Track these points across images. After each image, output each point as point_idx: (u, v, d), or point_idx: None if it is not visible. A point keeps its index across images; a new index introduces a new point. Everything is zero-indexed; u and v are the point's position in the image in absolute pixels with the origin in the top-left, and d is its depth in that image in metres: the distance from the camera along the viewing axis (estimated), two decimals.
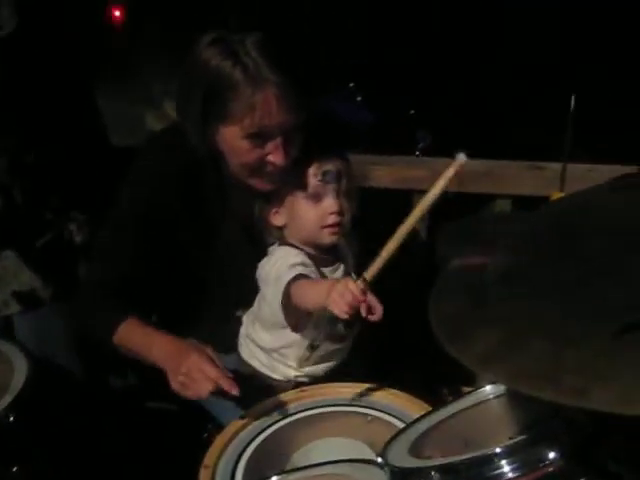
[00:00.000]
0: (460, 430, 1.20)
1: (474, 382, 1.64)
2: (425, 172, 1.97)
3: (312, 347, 1.49)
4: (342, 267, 1.56)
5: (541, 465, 0.98)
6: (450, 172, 1.24)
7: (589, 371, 0.67)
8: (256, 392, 1.50)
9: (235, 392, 1.34)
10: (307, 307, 1.38)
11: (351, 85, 3.65)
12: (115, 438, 1.90)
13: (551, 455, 0.98)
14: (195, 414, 1.73)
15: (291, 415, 1.43)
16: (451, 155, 2.08)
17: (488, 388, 1.24)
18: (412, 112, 3.63)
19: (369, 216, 1.71)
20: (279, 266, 1.47)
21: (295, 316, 1.45)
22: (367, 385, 1.48)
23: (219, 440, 1.35)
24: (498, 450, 0.99)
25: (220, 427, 1.44)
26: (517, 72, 3.37)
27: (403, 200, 2.01)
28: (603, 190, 1.16)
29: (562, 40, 3.22)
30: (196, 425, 1.70)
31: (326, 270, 1.53)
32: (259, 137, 1.43)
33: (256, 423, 1.40)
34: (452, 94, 3.45)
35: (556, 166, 1.79)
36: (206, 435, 1.64)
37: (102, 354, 1.77)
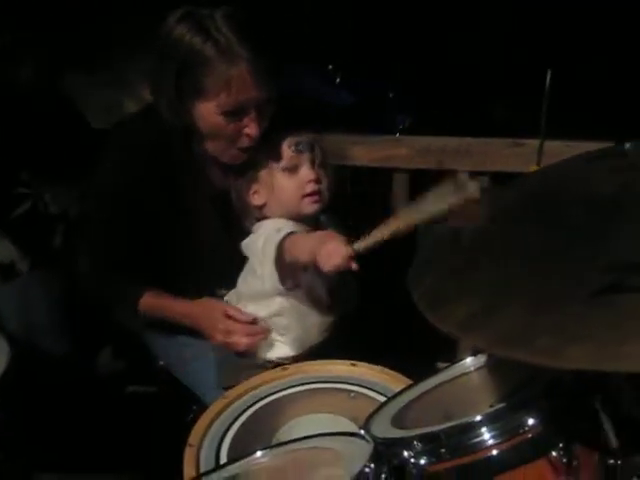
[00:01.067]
0: (441, 402, 1.21)
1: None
2: (405, 151, 1.98)
3: None
4: None
5: (521, 431, 0.99)
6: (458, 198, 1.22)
7: (563, 332, 0.69)
8: (236, 373, 1.53)
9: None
10: (301, 258, 1.40)
11: (330, 67, 3.64)
12: (100, 421, 1.91)
13: (530, 421, 0.99)
14: (180, 396, 1.74)
15: (275, 393, 1.43)
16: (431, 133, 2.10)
17: (468, 360, 1.26)
18: (391, 95, 3.64)
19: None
20: (267, 233, 1.48)
21: (290, 274, 1.47)
22: (350, 362, 1.49)
23: (203, 419, 1.36)
24: (478, 418, 1.00)
25: (205, 408, 1.45)
26: (494, 50, 3.38)
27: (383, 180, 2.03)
28: (579, 161, 1.18)
29: (538, 18, 3.24)
30: (181, 407, 1.71)
31: None
32: (235, 113, 1.45)
33: (240, 402, 1.41)
34: (430, 73, 3.46)
35: (536, 143, 1.80)
36: (191, 417, 1.65)
37: (89, 325, 1.82)
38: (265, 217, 1.56)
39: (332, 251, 1.33)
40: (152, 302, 1.63)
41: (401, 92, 3.56)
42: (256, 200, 1.56)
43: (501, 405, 1.02)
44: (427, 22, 3.52)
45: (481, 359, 1.25)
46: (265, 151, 1.52)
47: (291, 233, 1.45)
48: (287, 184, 1.52)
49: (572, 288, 0.77)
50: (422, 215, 1.26)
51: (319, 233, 1.46)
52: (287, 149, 1.51)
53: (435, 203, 1.24)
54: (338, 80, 3.60)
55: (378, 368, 1.48)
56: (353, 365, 1.49)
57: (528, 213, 1.01)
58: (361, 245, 1.34)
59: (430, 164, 1.97)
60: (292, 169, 1.51)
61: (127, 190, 1.57)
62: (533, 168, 1.50)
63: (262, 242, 1.48)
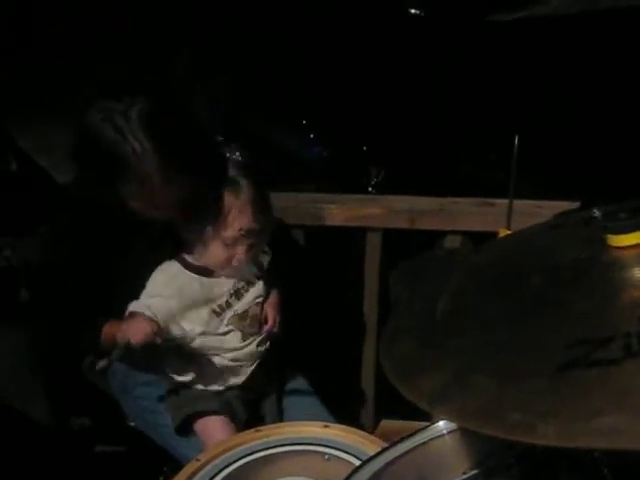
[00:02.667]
0: (415, 466, 1.21)
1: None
2: (378, 210, 2.01)
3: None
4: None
5: None
6: None
7: (533, 408, 0.70)
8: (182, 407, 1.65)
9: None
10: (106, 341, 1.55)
11: (304, 122, 3.70)
12: None
13: None
14: (152, 456, 1.72)
15: (248, 455, 1.42)
16: (405, 192, 2.15)
17: (441, 424, 1.26)
18: (364, 148, 3.69)
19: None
20: (147, 289, 1.58)
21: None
22: (323, 424, 1.49)
23: None
24: None
25: (177, 469, 1.43)
26: (467, 107, 3.46)
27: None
28: (545, 227, 1.20)
29: (510, 76, 3.33)
30: (153, 467, 1.69)
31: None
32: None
33: (213, 464, 1.39)
34: (403, 130, 3.52)
35: (506, 202, 1.84)
36: (162, 478, 1.63)
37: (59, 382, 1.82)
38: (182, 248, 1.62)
39: (138, 327, 1.46)
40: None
41: (375, 146, 3.62)
42: (184, 234, 1.61)
43: (474, 472, 1.02)
44: (401, 79, 3.61)
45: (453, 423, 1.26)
46: (218, 216, 1.56)
47: (136, 314, 1.52)
48: (219, 253, 1.58)
49: (538, 361, 0.78)
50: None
51: (135, 318, 1.51)
52: (237, 231, 1.56)
53: None
54: (312, 135, 3.66)
55: (351, 429, 1.48)
56: (326, 427, 1.48)
57: (494, 282, 1.03)
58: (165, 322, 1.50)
59: (403, 223, 1.99)
60: (231, 245, 1.57)
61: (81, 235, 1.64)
62: (503, 232, 1.53)
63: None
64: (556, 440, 0.65)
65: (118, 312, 1.62)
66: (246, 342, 1.66)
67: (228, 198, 1.55)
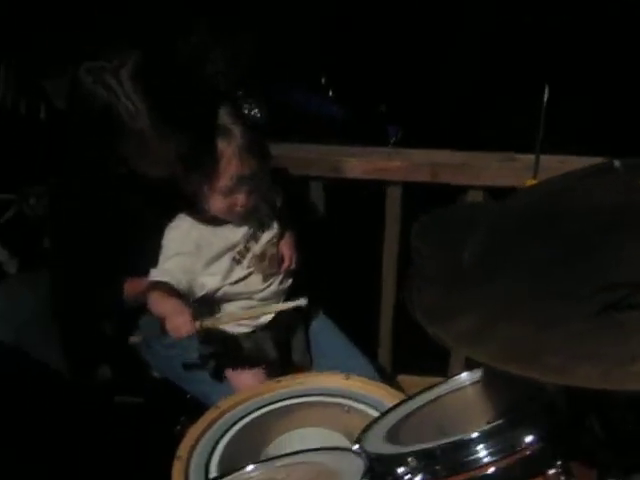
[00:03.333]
0: (436, 417, 1.20)
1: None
2: (399, 163, 1.97)
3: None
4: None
5: (518, 449, 0.98)
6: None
7: (569, 350, 0.68)
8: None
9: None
10: (153, 311, 1.55)
11: (323, 80, 3.66)
12: (88, 432, 1.88)
13: (527, 439, 0.98)
14: (169, 407, 1.73)
15: (267, 405, 1.42)
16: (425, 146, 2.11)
17: (463, 375, 1.25)
18: (382, 107, 3.66)
19: None
20: (164, 250, 1.57)
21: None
22: (344, 375, 1.48)
23: (193, 431, 1.34)
24: (475, 435, 0.99)
25: (194, 418, 1.43)
26: (489, 64, 3.41)
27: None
28: (574, 176, 1.17)
29: (535, 31, 3.26)
30: (169, 418, 1.69)
31: None
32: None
33: (231, 413, 1.39)
34: (423, 86, 3.47)
35: (530, 157, 1.80)
36: (179, 428, 1.63)
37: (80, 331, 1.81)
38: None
39: (180, 325, 1.48)
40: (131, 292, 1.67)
41: (393, 105, 3.59)
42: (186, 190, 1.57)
43: (498, 422, 1.01)
44: (420, 34, 3.55)
45: (476, 374, 1.25)
46: (210, 168, 1.52)
47: (162, 285, 1.53)
48: (219, 203, 1.56)
49: (574, 305, 0.76)
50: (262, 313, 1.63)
51: (174, 304, 1.52)
52: (229, 179, 1.53)
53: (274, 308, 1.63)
54: (331, 94, 3.62)
55: (371, 382, 1.47)
56: (347, 378, 1.47)
57: (527, 227, 1.00)
58: (208, 323, 1.52)
59: (424, 177, 1.95)
60: (228, 193, 1.55)
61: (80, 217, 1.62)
62: (529, 182, 1.50)
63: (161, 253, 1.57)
64: (597, 383, 0.63)
65: (135, 269, 1.63)
66: (267, 283, 1.66)
67: (220, 147, 1.52)
